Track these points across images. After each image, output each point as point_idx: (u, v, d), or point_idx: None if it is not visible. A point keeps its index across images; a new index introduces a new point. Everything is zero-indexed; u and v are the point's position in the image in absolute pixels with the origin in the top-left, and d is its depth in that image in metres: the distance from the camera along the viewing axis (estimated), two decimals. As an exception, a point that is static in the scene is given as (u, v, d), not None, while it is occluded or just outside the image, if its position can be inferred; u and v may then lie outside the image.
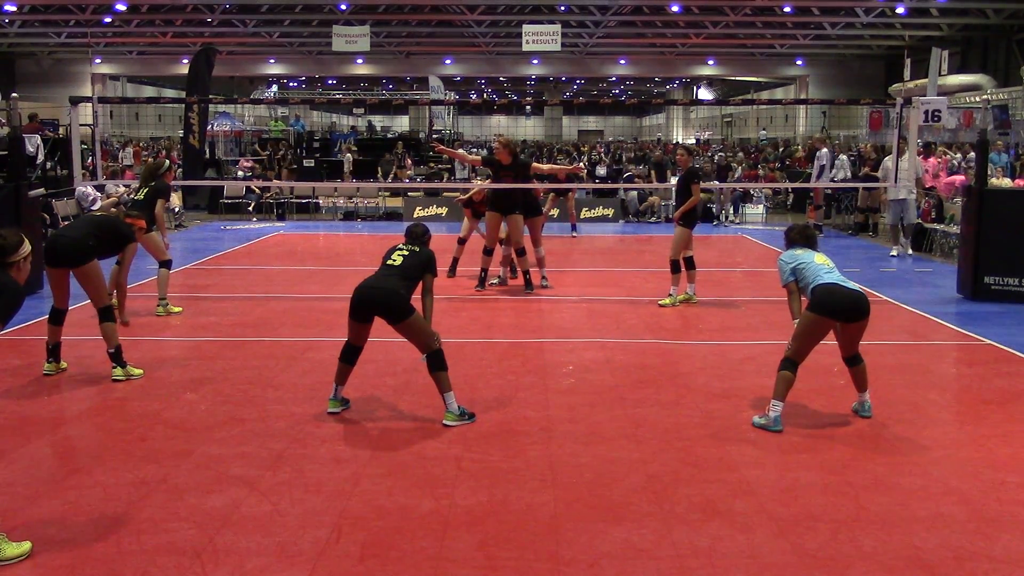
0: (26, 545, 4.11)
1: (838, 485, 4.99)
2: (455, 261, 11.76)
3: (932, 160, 17.06)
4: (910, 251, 14.23)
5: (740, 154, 31.87)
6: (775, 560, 4.13)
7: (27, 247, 4.53)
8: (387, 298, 5.90)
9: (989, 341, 8.48)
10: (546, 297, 10.64)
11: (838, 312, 5.86)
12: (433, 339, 5.99)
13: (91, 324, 9.07)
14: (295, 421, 6.01)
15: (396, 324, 5.95)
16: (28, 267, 4.53)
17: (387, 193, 21.17)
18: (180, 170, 19.94)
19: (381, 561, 4.10)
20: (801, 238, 6.38)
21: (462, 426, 5.92)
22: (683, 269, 10.06)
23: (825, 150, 19.23)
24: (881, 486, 4.98)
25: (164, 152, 22.94)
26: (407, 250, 6.28)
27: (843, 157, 19.23)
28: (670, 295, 10.02)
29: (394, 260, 6.17)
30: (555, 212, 18.82)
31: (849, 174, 18.93)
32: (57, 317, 7.25)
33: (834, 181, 18.20)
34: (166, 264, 9.45)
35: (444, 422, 5.94)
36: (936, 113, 12.40)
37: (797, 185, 20.43)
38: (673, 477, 5.09)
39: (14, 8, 32.53)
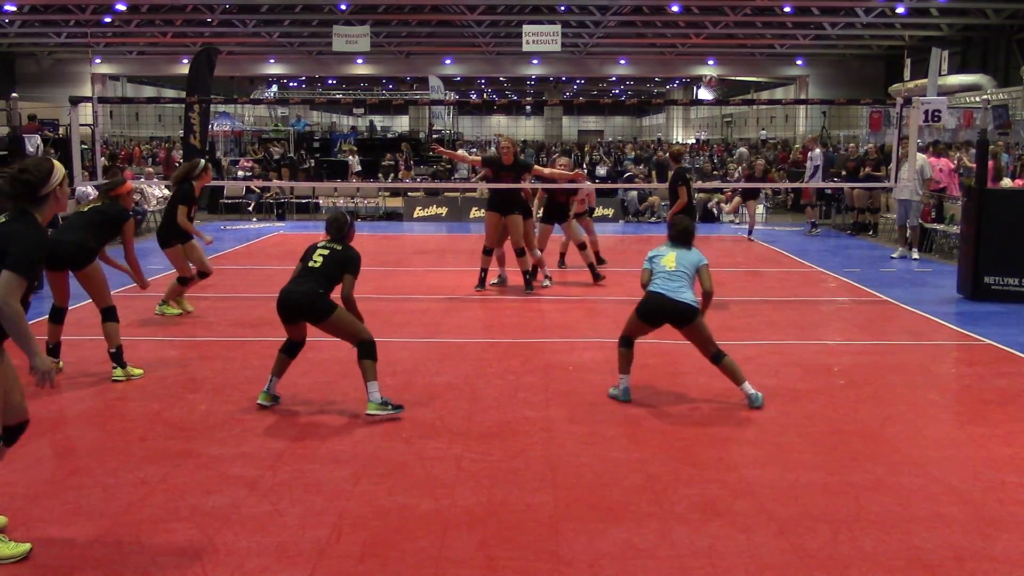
0: (25, 546, 4.10)
1: (838, 485, 4.99)
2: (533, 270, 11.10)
3: (944, 160, 17.02)
4: (915, 256, 14.11)
5: (743, 150, 31.91)
6: (775, 560, 4.13)
7: (59, 173, 4.20)
8: (305, 301, 6.01)
9: (989, 341, 8.47)
10: (546, 297, 10.63)
11: (652, 318, 6.44)
12: (361, 330, 6.10)
13: (91, 324, 9.07)
14: (295, 421, 6.01)
15: (319, 324, 6.07)
16: (66, 192, 4.24)
17: (387, 193, 21.17)
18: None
19: (381, 561, 4.10)
20: (677, 235, 6.64)
21: (461, 426, 5.92)
22: None
23: (819, 151, 19.20)
24: (881, 486, 4.98)
25: (164, 149, 22.90)
26: (327, 249, 6.21)
27: (817, 151, 19.11)
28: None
29: (315, 261, 6.14)
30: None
31: (820, 165, 18.86)
32: (57, 316, 7.25)
33: (813, 179, 18.27)
34: (182, 280, 9.19)
35: (367, 412, 6.01)
36: (936, 113, 12.39)
37: (796, 185, 20.41)
38: (673, 477, 5.09)
39: (14, 8, 32.54)
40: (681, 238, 6.60)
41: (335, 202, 20.93)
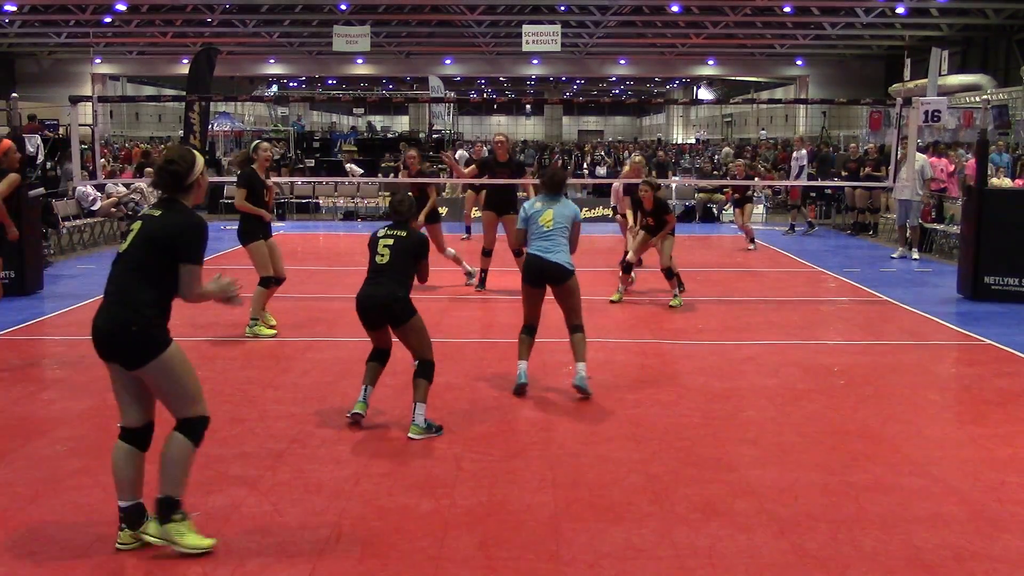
0: (208, 541, 4.09)
1: (838, 485, 4.99)
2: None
3: (944, 161, 17.02)
4: (915, 256, 14.11)
5: (728, 150, 31.77)
6: (775, 560, 4.13)
7: (201, 161, 4.21)
8: (384, 304, 5.72)
9: (989, 341, 8.47)
10: (546, 297, 10.61)
11: (533, 280, 6.54)
12: (428, 348, 5.84)
13: (90, 323, 9.08)
14: (295, 421, 6.00)
15: (396, 328, 5.81)
16: (207, 179, 4.29)
17: (387, 193, 21.17)
18: None
19: (381, 561, 4.10)
20: (549, 183, 6.71)
21: (461, 426, 5.91)
22: (677, 272, 10.23)
23: (804, 151, 19.14)
24: (881, 486, 4.98)
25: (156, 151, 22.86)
26: (393, 238, 5.84)
27: (803, 151, 19.03)
28: (675, 295, 10.13)
29: (382, 255, 5.78)
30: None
31: (805, 165, 18.80)
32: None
33: (798, 178, 18.20)
34: (264, 282, 8.45)
35: (409, 435, 5.68)
36: (936, 113, 12.40)
37: (796, 184, 20.38)
38: (673, 477, 5.09)
39: (14, 8, 32.55)
40: (552, 187, 6.66)
41: (335, 202, 20.94)
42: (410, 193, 7.23)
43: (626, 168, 12.85)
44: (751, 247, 15.14)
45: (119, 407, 4.16)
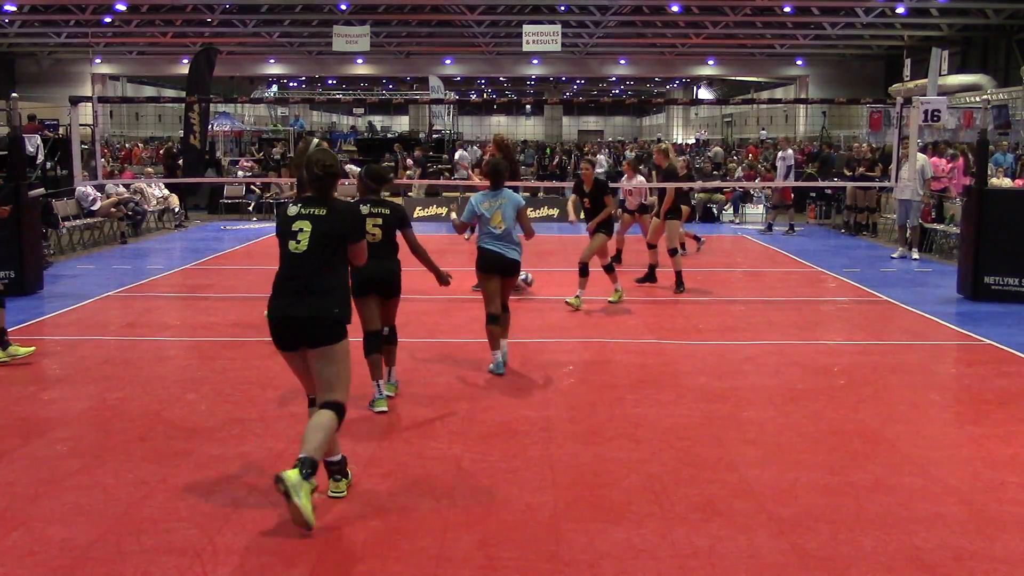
0: (312, 519, 4.33)
1: (838, 485, 4.99)
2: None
3: (944, 160, 17.00)
4: (915, 256, 14.09)
5: (718, 149, 31.53)
6: (775, 560, 4.13)
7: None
8: (394, 278, 6.21)
9: (989, 341, 8.47)
10: (546, 297, 10.63)
11: (489, 270, 7.13)
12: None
13: (90, 323, 9.09)
14: (295, 421, 6.00)
15: (389, 300, 6.26)
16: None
17: (387, 193, 21.14)
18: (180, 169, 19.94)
19: (381, 561, 4.10)
20: (490, 174, 7.30)
21: (461, 426, 5.92)
22: (588, 273, 9.96)
23: (791, 151, 19.09)
24: (881, 486, 4.98)
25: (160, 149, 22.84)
26: (378, 217, 6.11)
27: (789, 151, 18.91)
28: (576, 296, 9.86)
29: (373, 235, 5.98)
30: (555, 212, 18.84)
31: (792, 165, 18.66)
32: None
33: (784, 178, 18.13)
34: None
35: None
36: (936, 113, 12.37)
37: (796, 184, 20.39)
38: (673, 477, 5.09)
39: (14, 8, 32.55)
40: (494, 178, 7.23)
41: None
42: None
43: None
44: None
45: (306, 385, 4.85)
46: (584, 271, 9.92)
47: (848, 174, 18.68)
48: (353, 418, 6.08)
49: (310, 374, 4.73)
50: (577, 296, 9.88)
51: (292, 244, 4.62)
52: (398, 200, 20.82)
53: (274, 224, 5.71)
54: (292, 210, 4.72)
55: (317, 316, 4.57)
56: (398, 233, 6.19)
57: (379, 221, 6.11)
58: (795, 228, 18.02)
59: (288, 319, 4.62)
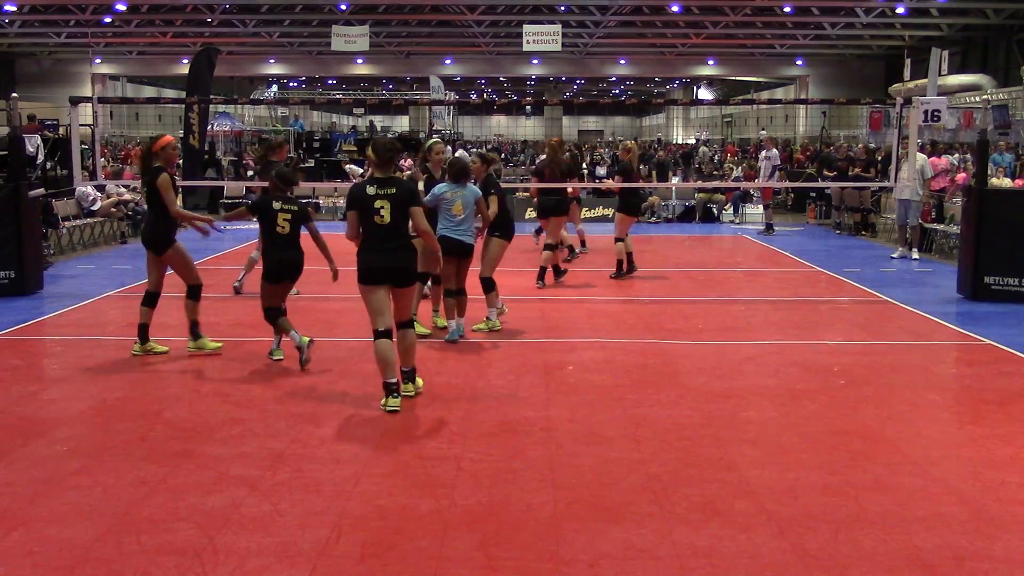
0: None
1: (838, 485, 4.99)
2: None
3: (944, 160, 17.00)
4: (915, 256, 14.08)
5: (704, 148, 31.39)
6: (775, 560, 4.13)
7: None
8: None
9: (989, 341, 8.47)
10: (546, 297, 10.63)
11: (449, 253, 7.68)
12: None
13: (91, 324, 9.09)
14: (295, 421, 6.01)
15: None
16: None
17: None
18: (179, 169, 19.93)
19: (381, 561, 4.10)
20: (456, 174, 7.89)
21: (461, 426, 5.92)
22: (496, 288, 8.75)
23: (775, 150, 19.04)
24: (881, 486, 4.98)
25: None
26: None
27: (774, 151, 18.80)
28: (488, 318, 8.67)
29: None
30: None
31: (776, 165, 18.59)
32: (151, 299, 7.71)
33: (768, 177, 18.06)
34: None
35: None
36: (936, 113, 12.37)
37: (796, 185, 20.41)
38: (673, 477, 5.09)
39: (14, 8, 32.52)
40: (459, 176, 7.88)
41: (335, 202, 20.93)
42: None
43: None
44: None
45: (376, 319, 6.16)
46: (490, 286, 8.66)
47: (829, 175, 18.59)
48: (354, 418, 6.10)
49: (384, 305, 6.17)
50: (488, 318, 8.69)
51: (376, 218, 6.07)
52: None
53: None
54: (370, 190, 6.12)
55: (404, 265, 6.22)
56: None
57: (288, 216, 7.23)
58: (773, 228, 17.82)
59: (379, 270, 6.14)
